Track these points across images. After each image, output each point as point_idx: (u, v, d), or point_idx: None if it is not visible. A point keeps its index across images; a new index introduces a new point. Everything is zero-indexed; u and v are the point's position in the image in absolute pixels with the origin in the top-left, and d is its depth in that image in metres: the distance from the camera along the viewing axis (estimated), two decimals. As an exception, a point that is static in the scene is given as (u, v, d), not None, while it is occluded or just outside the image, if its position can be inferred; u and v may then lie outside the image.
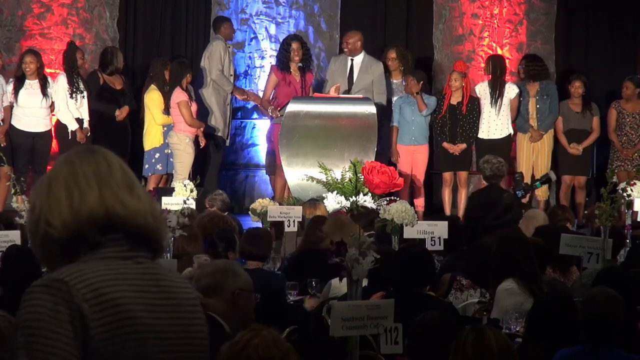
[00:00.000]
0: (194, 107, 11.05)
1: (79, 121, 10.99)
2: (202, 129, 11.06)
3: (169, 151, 11.11)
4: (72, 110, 10.97)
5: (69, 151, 2.35)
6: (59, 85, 10.96)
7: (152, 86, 11.20)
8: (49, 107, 11.03)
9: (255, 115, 12.65)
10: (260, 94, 12.01)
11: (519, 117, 11.65)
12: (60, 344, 2.12)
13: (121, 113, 11.19)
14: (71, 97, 10.95)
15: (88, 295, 2.16)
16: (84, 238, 2.24)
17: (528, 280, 5.80)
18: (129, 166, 2.41)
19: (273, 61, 11.92)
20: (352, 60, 11.43)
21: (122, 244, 2.27)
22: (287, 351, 3.11)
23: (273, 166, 11.36)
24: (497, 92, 11.50)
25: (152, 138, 11.21)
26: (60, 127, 11.01)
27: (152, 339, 2.21)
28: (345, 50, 11.52)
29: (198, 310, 2.33)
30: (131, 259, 2.27)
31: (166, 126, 11.23)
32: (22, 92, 10.93)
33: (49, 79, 11.10)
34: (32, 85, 10.95)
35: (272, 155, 11.34)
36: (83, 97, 11.05)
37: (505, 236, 6.25)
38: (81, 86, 11.03)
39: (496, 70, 11.57)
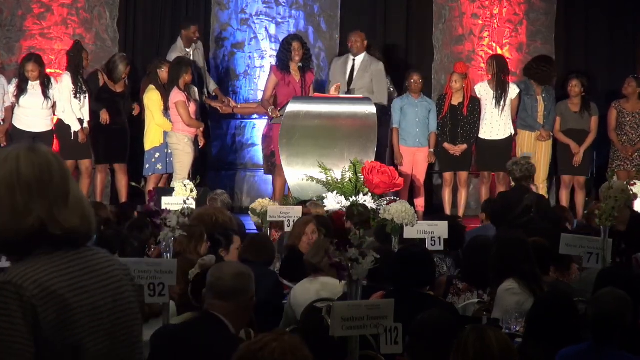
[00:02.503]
0: (192, 107, 11.02)
1: (80, 121, 11.00)
2: (201, 128, 11.05)
3: (169, 150, 11.09)
4: (76, 110, 10.97)
5: (13, 147, 2.55)
6: (64, 85, 10.95)
7: (151, 86, 11.19)
8: (51, 107, 11.03)
9: (255, 115, 12.64)
10: (260, 94, 12.01)
11: (526, 116, 11.61)
12: (18, 339, 2.39)
13: (136, 108, 11.32)
14: (75, 97, 10.95)
15: (35, 292, 2.43)
16: (14, 244, 2.50)
17: (528, 280, 5.80)
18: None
19: (273, 61, 11.90)
20: (353, 60, 11.44)
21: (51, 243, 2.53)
22: None
23: (270, 166, 11.40)
24: (500, 92, 11.47)
25: (151, 138, 11.19)
26: (61, 127, 11.01)
27: (85, 317, 2.50)
28: (350, 49, 11.53)
29: (123, 278, 2.64)
30: (61, 250, 2.54)
31: (166, 126, 11.24)
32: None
33: (52, 80, 11.09)
34: (33, 87, 10.95)
35: (268, 154, 11.42)
36: (85, 97, 11.06)
37: (506, 236, 6.25)
38: (84, 87, 11.04)
39: (499, 70, 11.55)
